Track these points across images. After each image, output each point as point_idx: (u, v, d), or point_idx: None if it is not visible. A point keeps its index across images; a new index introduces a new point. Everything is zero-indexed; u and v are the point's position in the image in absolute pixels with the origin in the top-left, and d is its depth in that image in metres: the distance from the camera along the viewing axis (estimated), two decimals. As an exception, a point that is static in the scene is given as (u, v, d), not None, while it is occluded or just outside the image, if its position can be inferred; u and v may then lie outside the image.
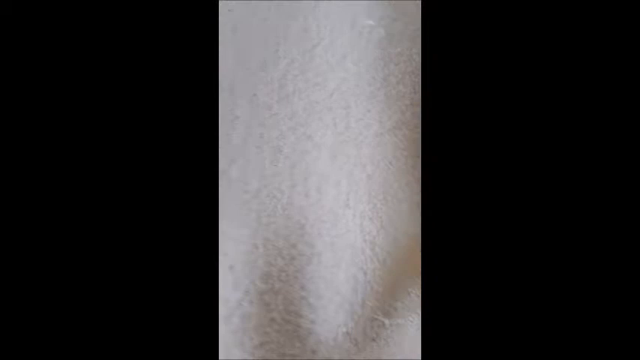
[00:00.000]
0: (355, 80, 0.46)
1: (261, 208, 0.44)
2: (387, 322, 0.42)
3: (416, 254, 0.50)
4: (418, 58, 0.49)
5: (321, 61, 0.47)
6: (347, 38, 0.46)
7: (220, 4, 0.47)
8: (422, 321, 0.32)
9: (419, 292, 0.45)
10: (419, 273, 0.48)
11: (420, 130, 0.50)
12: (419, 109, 0.51)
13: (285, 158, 0.46)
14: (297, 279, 0.43)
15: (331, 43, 0.47)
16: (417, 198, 0.50)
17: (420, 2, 0.47)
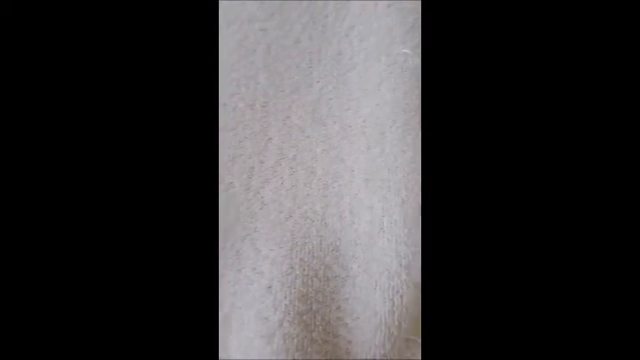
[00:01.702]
0: (390, 107, 0.47)
1: (296, 228, 0.45)
2: (420, 341, 0.43)
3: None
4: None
5: (355, 86, 0.48)
6: (382, 65, 0.47)
7: (254, 25, 0.48)
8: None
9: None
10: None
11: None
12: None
13: (318, 180, 0.47)
14: (334, 300, 0.44)
15: (366, 69, 0.48)
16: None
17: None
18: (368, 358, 0.41)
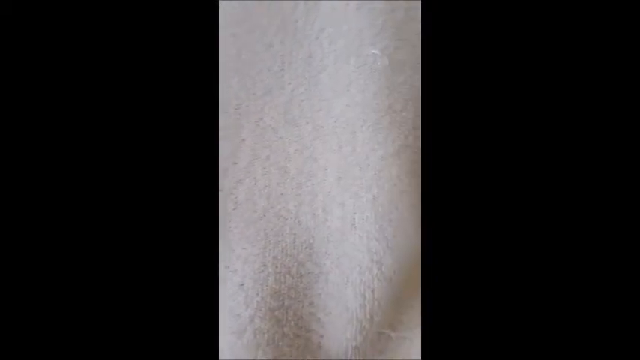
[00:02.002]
0: (361, 107, 0.48)
1: (269, 227, 0.46)
2: (393, 335, 0.44)
3: (417, 271, 0.52)
4: (418, 85, 0.51)
5: (325, 87, 0.49)
6: (352, 66, 0.48)
7: (225, 30, 0.49)
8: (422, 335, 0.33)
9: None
10: (419, 286, 0.51)
11: (419, 151, 0.53)
12: (419, 133, 0.53)
13: (291, 179, 0.48)
14: (307, 296, 0.44)
15: (336, 70, 0.49)
16: (419, 218, 0.52)
17: (419, 33, 0.50)
18: (340, 351, 0.41)
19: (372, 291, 0.44)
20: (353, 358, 0.41)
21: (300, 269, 0.45)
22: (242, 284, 0.42)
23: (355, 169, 0.48)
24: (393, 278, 0.46)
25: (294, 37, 0.50)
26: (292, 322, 0.43)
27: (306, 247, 0.46)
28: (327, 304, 0.43)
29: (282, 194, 0.47)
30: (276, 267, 0.45)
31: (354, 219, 0.47)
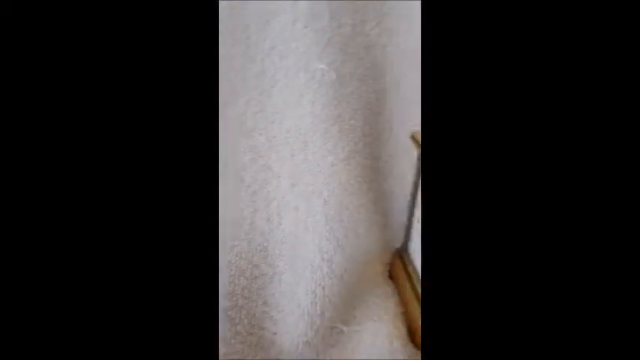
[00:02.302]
0: (311, 118, 0.51)
1: (225, 234, 0.48)
2: (345, 329, 0.46)
3: (372, 267, 0.55)
4: (367, 95, 0.55)
5: (278, 100, 0.52)
6: (302, 80, 0.51)
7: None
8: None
9: (377, 301, 0.49)
10: (377, 284, 0.52)
11: (372, 157, 0.56)
12: (371, 139, 0.56)
13: (247, 187, 0.50)
14: (260, 296, 0.46)
15: (287, 84, 0.51)
16: (372, 218, 0.55)
17: (368, 45, 0.54)
18: (292, 346, 0.43)
19: (323, 288, 0.46)
20: (304, 352, 0.43)
21: (254, 271, 0.47)
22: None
23: (307, 176, 0.51)
24: (345, 276, 0.48)
25: (247, 54, 0.52)
26: (245, 321, 0.44)
27: (260, 250, 0.48)
28: (280, 303, 0.44)
29: (237, 201, 0.50)
30: (231, 270, 0.46)
31: (307, 222, 0.49)
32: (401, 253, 0.54)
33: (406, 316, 0.47)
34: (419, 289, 0.46)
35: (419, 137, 0.44)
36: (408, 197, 0.50)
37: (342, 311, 0.47)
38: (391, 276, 0.54)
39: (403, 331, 0.45)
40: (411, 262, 0.49)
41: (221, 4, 0.45)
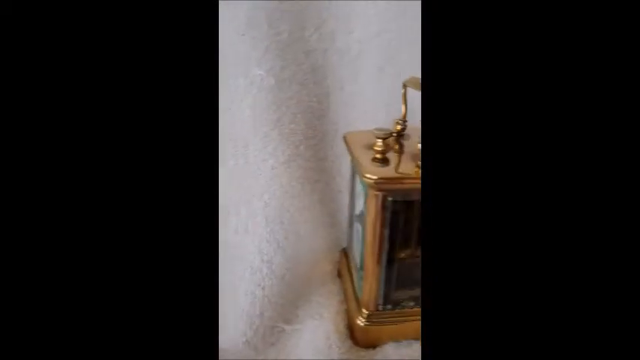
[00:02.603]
0: (251, 122, 0.52)
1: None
2: (287, 328, 0.47)
3: (320, 267, 0.56)
4: (308, 99, 0.56)
5: (219, 105, 0.53)
6: (241, 86, 0.52)
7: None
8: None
9: (320, 299, 0.50)
10: (323, 283, 0.54)
11: (316, 159, 0.57)
12: (314, 142, 0.58)
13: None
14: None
15: (226, 90, 0.52)
16: (318, 218, 0.56)
17: (307, 50, 0.55)
18: (232, 345, 0.44)
19: (263, 289, 0.47)
20: (244, 351, 0.44)
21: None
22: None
23: (248, 179, 0.52)
24: (287, 276, 0.50)
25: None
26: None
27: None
28: (221, 305, 0.45)
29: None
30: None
31: (248, 224, 0.50)
32: (346, 252, 0.55)
33: (348, 313, 0.48)
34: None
35: (350, 138, 0.46)
36: (348, 197, 0.52)
37: (283, 311, 0.48)
38: (339, 274, 0.56)
39: (342, 328, 0.47)
40: (353, 260, 0.51)
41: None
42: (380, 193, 0.37)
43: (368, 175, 0.36)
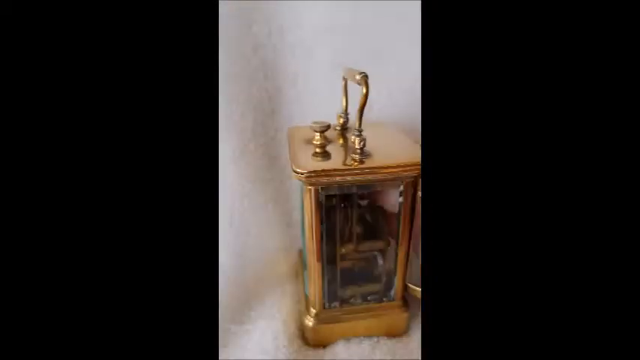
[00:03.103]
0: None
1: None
2: (237, 329, 0.46)
3: (270, 268, 0.55)
4: (258, 94, 0.55)
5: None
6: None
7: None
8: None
9: (274, 300, 0.49)
10: (279, 283, 0.52)
11: (268, 156, 0.56)
12: (266, 139, 0.56)
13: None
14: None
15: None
16: (272, 217, 0.55)
17: (256, 45, 0.54)
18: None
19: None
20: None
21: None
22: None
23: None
24: (237, 277, 0.49)
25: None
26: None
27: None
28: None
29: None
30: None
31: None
32: (301, 252, 0.54)
33: (300, 313, 0.47)
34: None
35: (292, 133, 0.44)
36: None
37: (234, 312, 0.47)
38: (297, 275, 0.55)
39: (293, 328, 0.45)
40: (303, 260, 0.50)
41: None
42: (312, 188, 0.36)
43: (298, 170, 0.35)
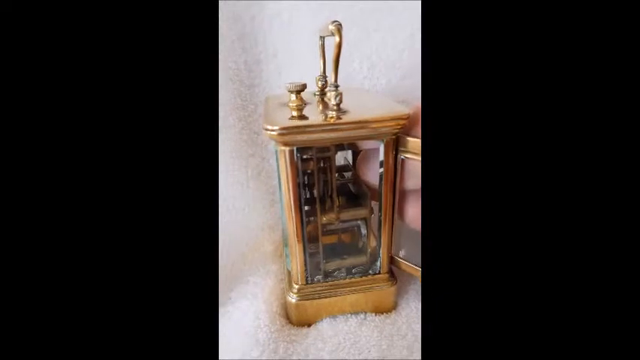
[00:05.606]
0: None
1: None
2: (220, 310, 0.43)
3: (254, 247, 0.52)
4: (235, 67, 0.52)
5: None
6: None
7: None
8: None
9: (257, 280, 0.46)
10: (263, 263, 0.50)
11: (250, 131, 0.54)
12: (246, 113, 0.54)
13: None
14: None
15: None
16: (254, 194, 0.53)
17: (233, 17, 0.51)
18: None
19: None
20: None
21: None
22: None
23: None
24: (222, 259, 0.46)
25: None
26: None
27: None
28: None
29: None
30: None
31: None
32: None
33: (284, 291, 0.44)
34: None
35: (270, 100, 0.42)
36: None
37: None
38: (281, 254, 0.52)
39: (276, 307, 0.43)
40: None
41: None
42: (287, 149, 0.33)
43: (268, 127, 0.32)
